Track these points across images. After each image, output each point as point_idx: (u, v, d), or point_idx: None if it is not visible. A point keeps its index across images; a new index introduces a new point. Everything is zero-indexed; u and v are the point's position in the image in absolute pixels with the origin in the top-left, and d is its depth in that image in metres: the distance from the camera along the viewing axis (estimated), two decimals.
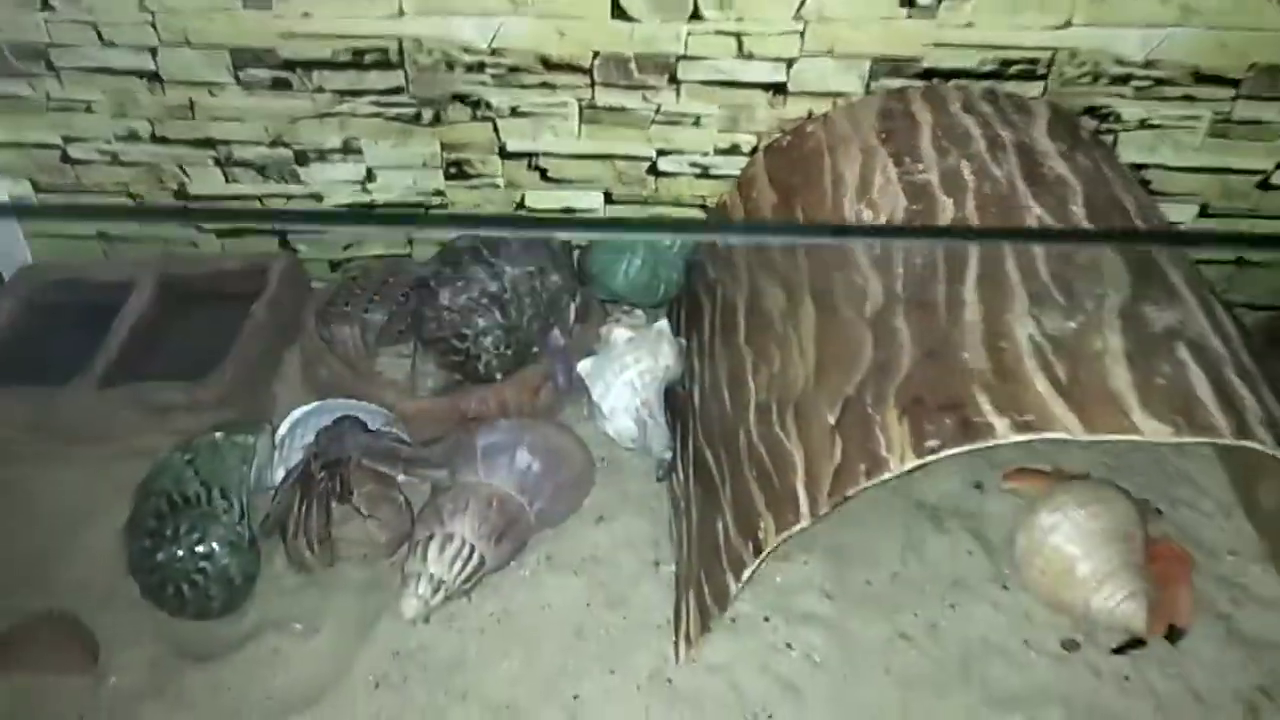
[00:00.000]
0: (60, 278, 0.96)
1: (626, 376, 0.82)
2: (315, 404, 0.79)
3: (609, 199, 0.94)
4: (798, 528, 0.61)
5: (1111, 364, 0.59)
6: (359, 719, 0.67)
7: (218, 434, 0.74)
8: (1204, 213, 0.92)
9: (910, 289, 0.67)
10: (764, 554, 0.63)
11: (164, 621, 0.72)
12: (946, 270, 0.67)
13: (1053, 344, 0.61)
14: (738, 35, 0.84)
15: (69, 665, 0.69)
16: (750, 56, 0.85)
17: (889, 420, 0.60)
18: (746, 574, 0.64)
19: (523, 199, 0.95)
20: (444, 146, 0.92)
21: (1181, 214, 0.92)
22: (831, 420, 0.63)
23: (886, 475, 0.58)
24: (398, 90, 0.88)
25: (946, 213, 0.71)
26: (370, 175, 0.94)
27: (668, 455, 0.80)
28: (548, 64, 0.86)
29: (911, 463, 0.57)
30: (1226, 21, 0.81)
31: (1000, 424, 0.57)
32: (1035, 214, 0.70)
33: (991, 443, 0.56)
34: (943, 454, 0.57)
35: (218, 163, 0.93)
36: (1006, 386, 0.59)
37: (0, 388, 0.85)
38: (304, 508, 0.73)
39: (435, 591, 0.71)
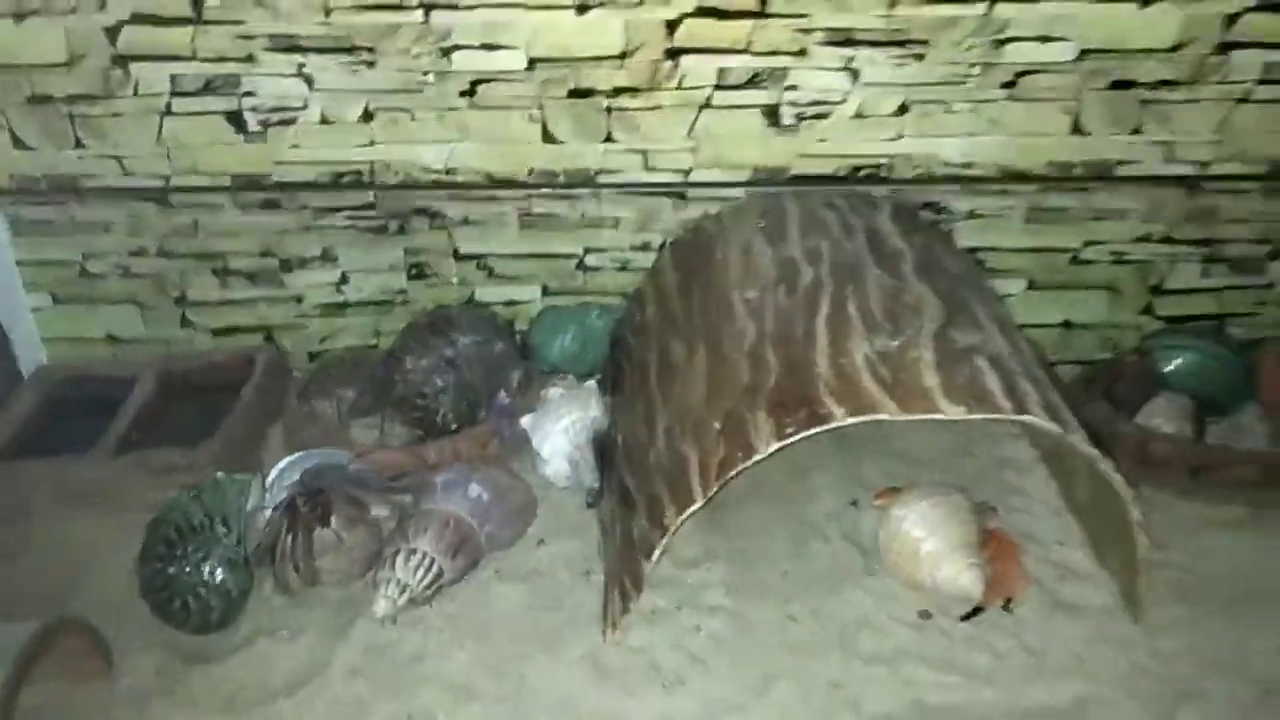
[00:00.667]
0: (73, 374, 1.12)
1: (561, 425, 0.99)
2: (300, 453, 0.95)
3: (546, 291, 1.13)
4: (694, 507, 0.77)
5: (924, 369, 0.77)
6: (339, 700, 0.80)
7: (219, 474, 0.89)
8: (1031, 286, 1.13)
9: (776, 329, 0.85)
10: (668, 533, 0.78)
11: (170, 634, 0.85)
12: (804, 314, 0.85)
13: (880, 358, 0.79)
14: (643, 153, 1.05)
15: (87, 672, 0.82)
16: (654, 169, 1.06)
17: (759, 420, 0.77)
18: (655, 554, 0.79)
19: (473, 294, 1.13)
20: (407, 252, 1.11)
21: (1013, 287, 1.13)
22: (718, 427, 0.80)
23: (758, 457, 0.75)
24: (369, 206, 1.08)
25: (806, 277, 0.91)
26: (344, 278, 1.12)
27: (595, 485, 0.96)
28: (492, 180, 1.06)
29: (774, 445, 0.74)
30: (1024, 129, 1.04)
31: (839, 411, 0.74)
32: (874, 274, 0.90)
33: (833, 425, 0.74)
34: (798, 436, 0.74)
35: (214, 272, 1.11)
36: (845, 388, 0.76)
37: (25, 461, 1.00)
38: (290, 537, 0.88)
39: (401, 593, 0.85)
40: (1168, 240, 1.10)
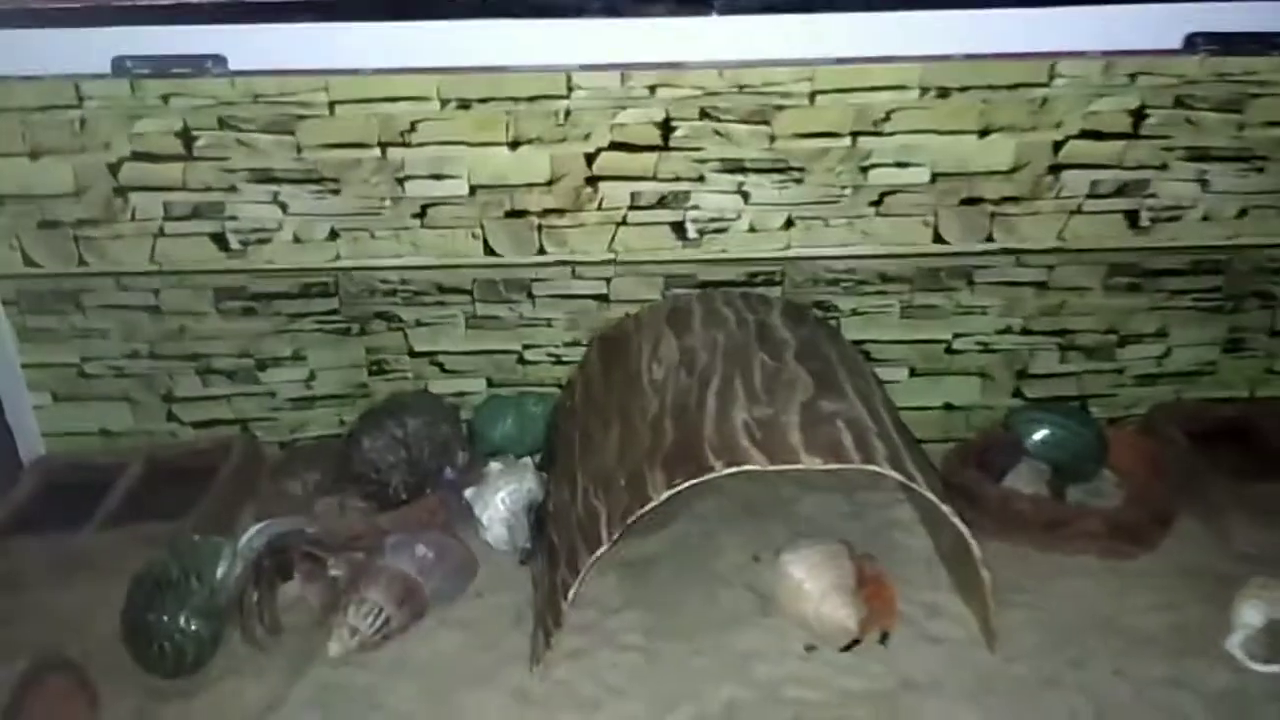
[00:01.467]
0: (68, 463, 1.26)
1: (499, 496, 1.13)
2: (268, 521, 1.08)
3: (490, 383, 1.29)
4: (601, 549, 0.91)
5: (790, 430, 0.93)
6: None
7: (195, 536, 1.02)
8: (912, 373, 1.30)
9: (674, 403, 1.01)
10: (582, 573, 0.92)
11: (148, 680, 0.97)
12: (697, 390, 1.01)
13: (756, 424, 0.94)
14: (572, 264, 1.23)
15: (76, 714, 0.93)
16: (581, 278, 1.23)
17: (656, 475, 0.92)
18: (571, 592, 0.93)
19: (426, 387, 1.29)
20: (367, 350, 1.27)
21: (898, 374, 1.30)
22: (622, 484, 0.95)
23: (653, 504, 0.89)
24: (334, 311, 1.24)
25: (702, 361, 1.07)
26: (312, 375, 1.28)
27: (528, 545, 1.10)
28: (441, 288, 1.23)
29: (666, 493, 0.89)
30: (893, 240, 1.22)
31: (718, 464, 0.89)
32: (760, 358, 1.06)
33: (712, 475, 0.89)
34: (685, 485, 0.89)
35: (197, 371, 1.27)
36: (724, 446, 0.92)
37: (24, 538, 1.13)
38: (255, 590, 1.00)
39: (352, 636, 0.97)
40: (1026, 332, 1.28)
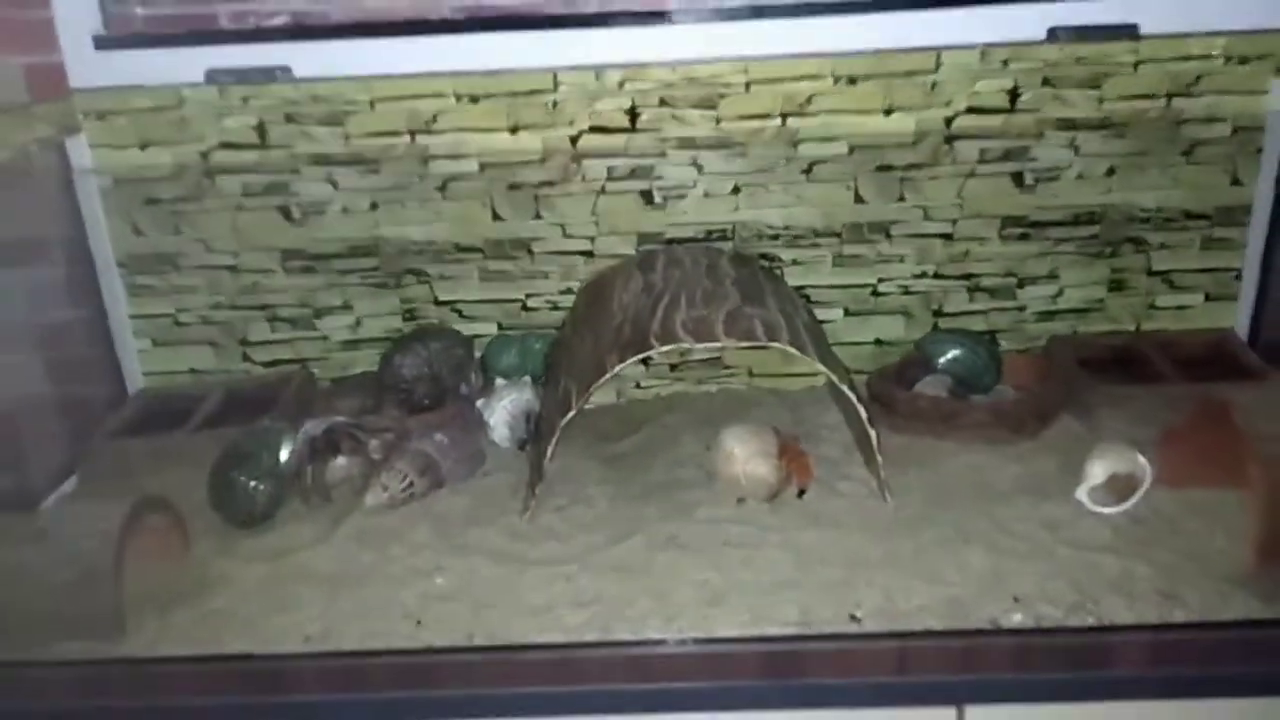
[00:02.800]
0: (163, 393, 1.57)
1: (504, 403, 1.42)
2: (322, 418, 1.37)
3: (500, 326, 1.58)
4: (570, 413, 1.19)
5: (716, 324, 1.20)
6: (339, 552, 1.19)
7: (266, 422, 1.32)
8: (846, 313, 1.57)
9: (634, 315, 1.29)
10: (555, 435, 1.20)
11: (227, 530, 1.26)
12: (650, 305, 1.30)
13: (691, 320, 1.22)
14: (561, 225, 1.52)
15: (171, 544, 1.21)
16: (571, 236, 1.53)
17: (611, 357, 1.20)
18: (550, 449, 1.20)
19: None
20: (401, 300, 1.57)
21: (834, 315, 1.56)
22: (588, 368, 1.23)
23: (606, 377, 1.17)
24: (375, 268, 1.55)
25: (658, 289, 1.35)
26: (358, 321, 1.58)
27: (524, 437, 1.38)
28: (459, 248, 1.54)
29: (615, 368, 1.17)
30: (823, 202, 1.50)
31: (657, 344, 1.17)
32: (704, 285, 1.34)
33: (652, 351, 1.17)
34: (630, 360, 1.17)
35: (267, 319, 1.58)
36: (665, 334, 1.20)
37: (131, 439, 1.44)
38: (310, 465, 1.29)
39: (384, 492, 1.26)
40: (938, 276, 1.54)
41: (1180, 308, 1.55)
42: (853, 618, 1.06)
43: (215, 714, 1.08)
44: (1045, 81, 1.44)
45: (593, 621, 1.07)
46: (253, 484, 1.25)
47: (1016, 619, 1.04)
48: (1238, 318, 1.54)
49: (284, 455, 1.30)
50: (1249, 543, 1.07)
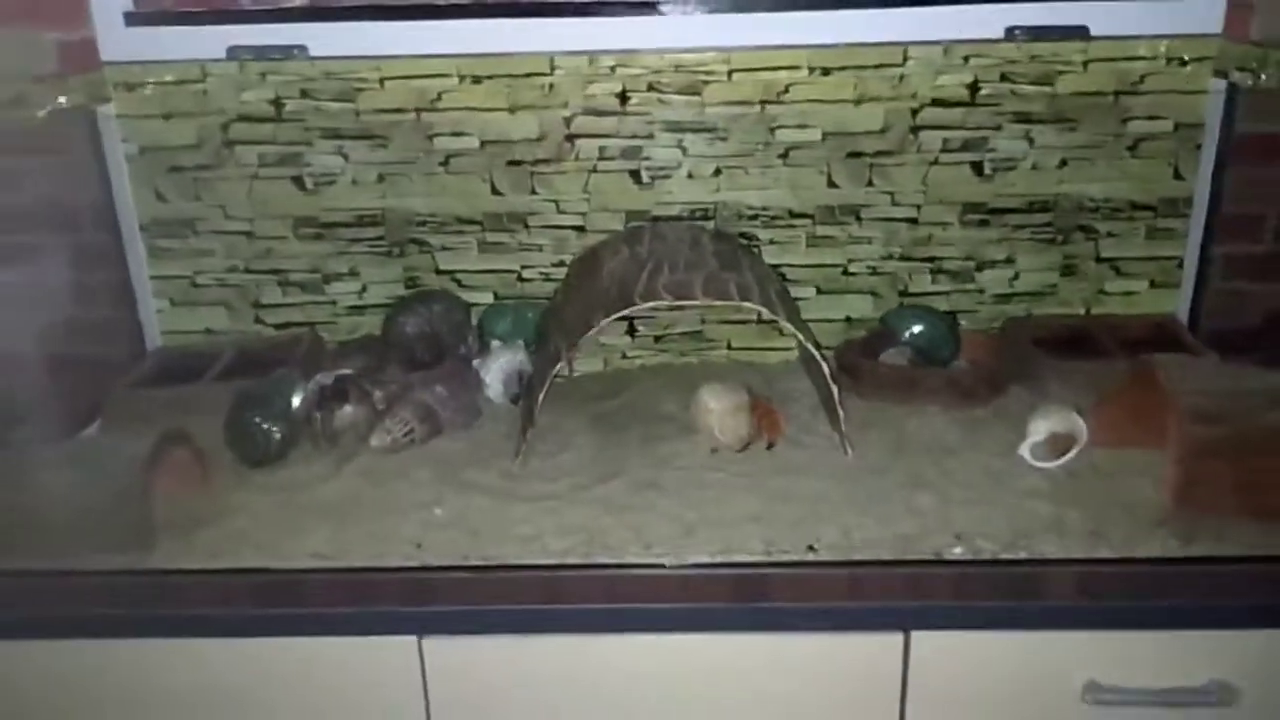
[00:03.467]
0: (179, 352, 1.68)
1: (499, 363, 1.53)
2: (330, 371, 1.48)
3: (496, 296, 1.69)
4: (559, 364, 1.30)
5: (694, 286, 1.32)
6: (345, 488, 1.30)
7: (280, 371, 1.43)
8: (819, 291, 1.69)
9: (620, 279, 1.40)
10: (546, 383, 1.31)
11: (242, 468, 1.37)
12: (635, 271, 1.41)
13: (674, 283, 1.34)
14: (555, 201, 1.64)
15: (190, 480, 1.32)
16: (564, 212, 1.65)
17: (597, 315, 1.31)
18: (540, 395, 1.32)
19: None
20: (404, 269, 1.68)
21: (807, 293, 1.68)
22: (580, 325, 1.34)
23: (593, 330, 1.29)
24: (380, 238, 1.66)
25: (643, 257, 1.47)
26: (364, 288, 1.69)
27: (517, 391, 1.49)
28: (459, 219, 1.65)
29: (601, 322, 1.28)
30: (798, 184, 1.62)
31: (639, 301, 1.29)
32: (685, 255, 1.46)
33: (633, 309, 1.28)
34: (615, 315, 1.28)
35: (278, 283, 1.69)
36: (647, 293, 1.31)
37: (150, 389, 1.54)
38: (319, 411, 1.40)
39: (388, 435, 1.37)
40: (904, 258, 1.66)
41: (1127, 293, 1.67)
42: (810, 548, 1.17)
43: (233, 622, 1.18)
44: (1003, 77, 1.56)
45: (576, 548, 1.19)
46: (267, 425, 1.36)
47: (957, 551, 1.16)
48: (1179, 303, 1.67)
49: (296, 402, 1.42)
50: (1166, 487, 1.19)
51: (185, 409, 1.49)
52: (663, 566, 1.16)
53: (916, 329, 1.58)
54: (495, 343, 1.58)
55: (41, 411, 1.48)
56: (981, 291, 1.69)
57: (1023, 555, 1.15)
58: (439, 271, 1.68)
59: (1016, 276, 1.67)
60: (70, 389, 1.53)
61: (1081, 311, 1.69)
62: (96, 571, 1.17)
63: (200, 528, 1.24)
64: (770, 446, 1.38)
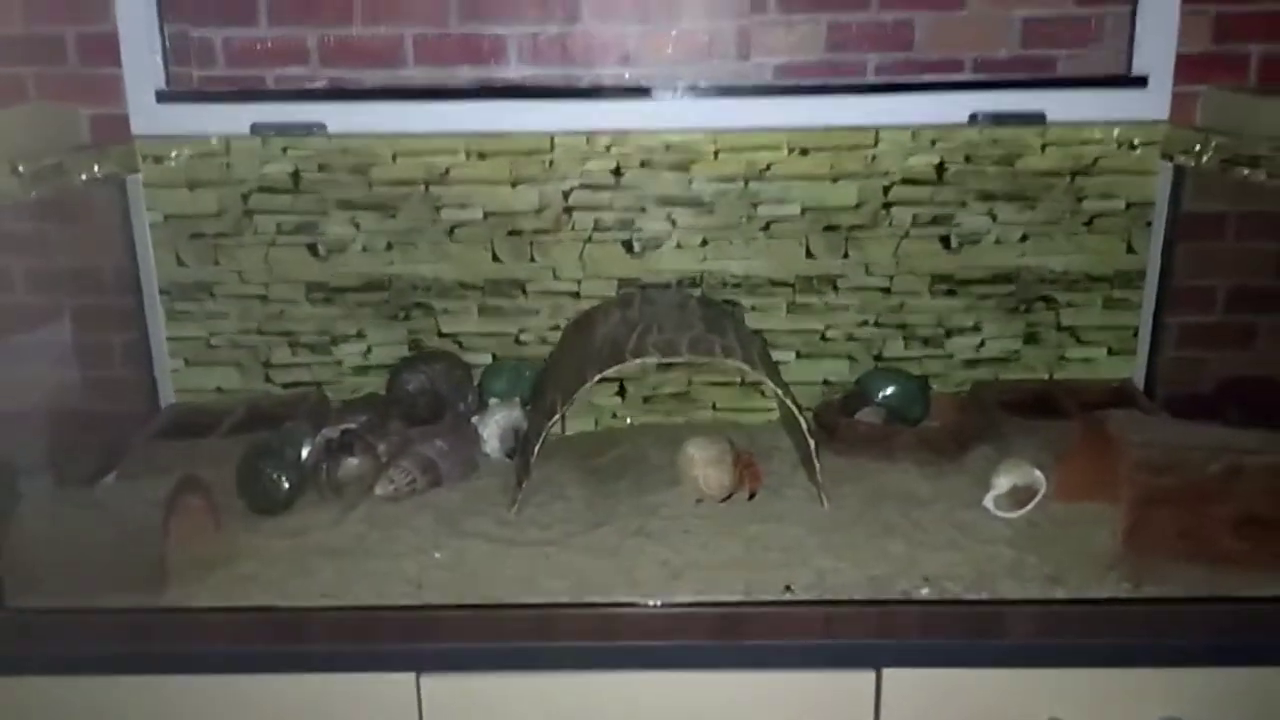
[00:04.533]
0: (191, 408, 1.76)
1: (496, 418, 1.62)
2: (336, 425, 1.57)
3: (494, 357, 1.79)
4: (556, 417, 1.40)
5: (680, 344, 1.43)
6: (348, 533, 1.38)
7: (289, 425, 1.52)
8: (798, 355, 1.79)
9: (611, 340, 1.51)
10: (542, 434, 1.40)
11: (253, 517, 1.44)
12: (627, 330, 1.51)
13: (662, 342, 1.44)
14: (552, 269, 1.75)
15: (203, 525, 1.40)
16: (560, 279, 1.76)
17: (590, 370, 1.41)
18: (535, 449, 1.41)
19: None
20: (408, 331, 1.78)
21: (787, 356, 1.79)
22: (569, 381, 1.44)
23: (587, 385, 1.38)
24: (386, 302, 1.77)
25: (634, 319, 1.57)
26: (369, 349, 1.79)
27: (513, 446, 1.58)
28: (462, 284, 1.76)
29: (595, 378, 1.38)
30: (778, 255, 1.74)
31: (630, 358, 1.39)
32: (673, 318, 1.56)
33: (622, 365, 1.38)
34: (608, 371, 1.38)
35: (289, 344, 1.78)
36: (638, 352, 1.41)
37: (164, 441, 1.63)
38: (325, 463, 1.49)
39: (391, 484, 1.45)
40: (878, 324, 1.77)
41: (1086, 359, 1.78)
42: (787, 589, 1.25)
43: (242, 659, 1.25)
44: (967, 158, 1.69)
45: (569, 589, 1.26)
46: (276, 475, 1.45)
47: (925, 592, 1.24)
48: (1136, 370, 1.78)
49: (304, 453, 1.50)
50: (1117, 532, 1.28)
51: (197, 461, 1.57)
52: (649, 606, 1.24)
53: (889, 390, 1.68)
54: (493, 400, 1.68)
55: (63, 461, 1.56)
56: (950, 356, 1.79)
57: (985, 596, 1.24)
58: (441, 334, 1.78)
59: (983, 343, 1.78)
60: (89, 441, 1.61)
61: (1044, 376, 1.80)
62: (113, 609, 1.24)
63: (212, 570, 1.31)
64: (751, 496, 1.47)
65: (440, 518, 1.43)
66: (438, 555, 1.34)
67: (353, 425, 1.55)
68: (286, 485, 1.45)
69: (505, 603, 1.25)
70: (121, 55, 1.66)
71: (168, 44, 1.69)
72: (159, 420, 1.72)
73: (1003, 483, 1.44)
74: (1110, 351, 1.77)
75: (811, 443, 1.43)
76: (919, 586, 1.25)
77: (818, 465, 1.44)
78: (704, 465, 1.46)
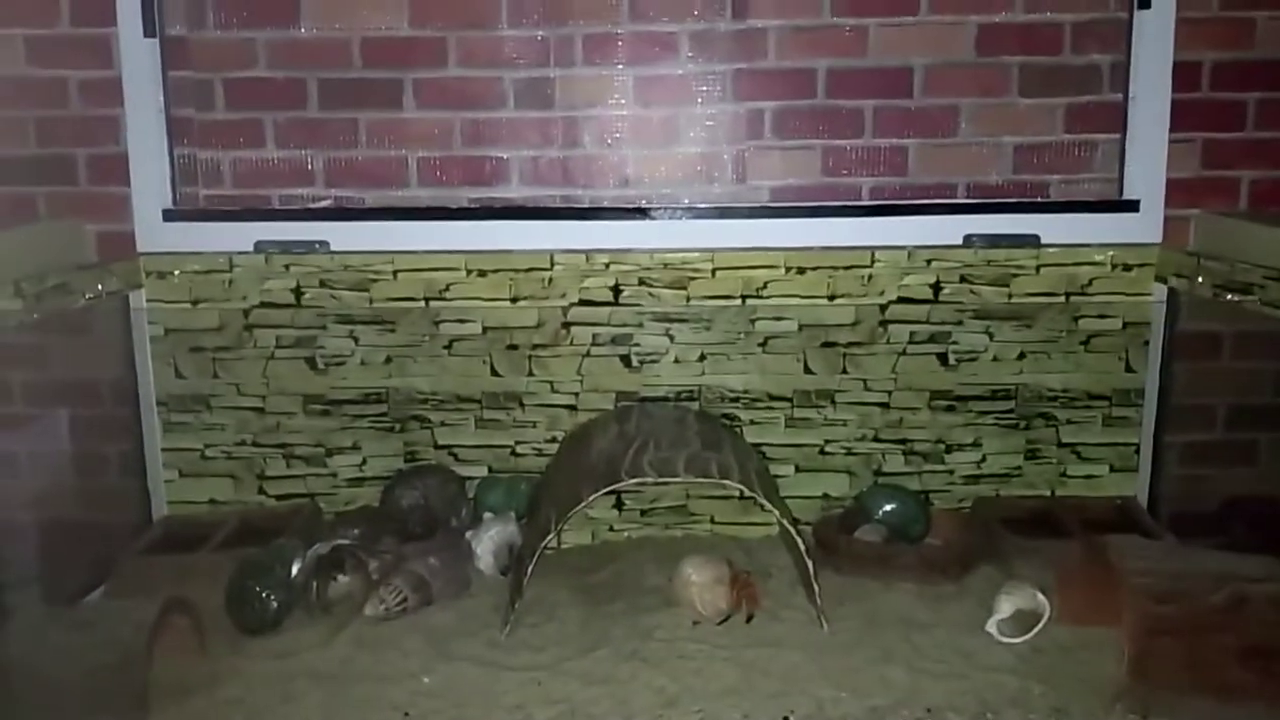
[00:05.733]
0: (183, 521, 1.75)
1: (490, 534, 1.60)
2: (328, 541, 1.55)
3: (490, 470, 1.78)
4: (550, 536, 1.38)
5: (677, 463, 1.42)
6: (338, 655, 1.35)
7: (280, 540, 1.50)
8: (797, 469, 1.78)
9: (608, 457, 1.50)
10: (533, 559, 1.38)
11: (241, 637, 1.41)
12: (623, 449, 1.51)
13: (659, 460, 1.43)
14: (550, 382, 1.75)
15: (188, 647, 1.36)
16: (558, 393, 1.76)
17: (585, 489, 1.40)
18: (529, 568, 1.38)
19: None
20: (404, 444, 1.77)
21: (786, 470, 1.77)
22: (564, 498, 1.42)
23: (581, 505, 1.37)
24: (383, 414, 1.77)
25: (631, 436, 1.56)
26: (364, 461, 1.78)
27: (507, 563, 1.56)
28: (459, 398, 1.76)
29: (590, 498, 1.37)
30: (776, 370, 1.74)
31: (626, 478, 1.38)
32: (670, 434, 1.56)
33: (618, 485, 1.37)
34: (602, 491, 1.37)
35: (284, 456, 1.78)
36: (634, 471, 1.40)
37: (155, 556, 1.61)
38: (316, 581, 1.47)
39: (381, 605, 1.43)
40: (878, 439, 1.76)
41: (1089, 476, 1.77)
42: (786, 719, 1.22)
43: None
44: (963, 278, 1.71)
45: (561, 718, 1.23)
46: (265, 594, 1.42)
47: None
48: (1139, 487, 1.76)
49: (295, 570, 1.48)
50: (1122, 663, 1.25)
51: (187, 576, 1.55)
52: None
53: (889, 507, 1.66)
54: (488, 514, 1.66)
55: (52, 574, 1.54)
56: (951, 472, 1.78)
57: None
58: (437, 446, 1.77)
59: (984, 459, 1.77)
60: (80, 553, 1.59)
61: (1046, 493, 1.78)
62: None
63: (195, 694, 1.28)
64: (749, 619, 1.44)
65: (431, 639, 1.40)
66: (426, 680, 1.30)
67: (345, 540, 1.53)
68: (275, 604, 1.42)
69: None
70: (131, 175, 1.70)
71: (176, 165, 1.73)
72: (150, 533, 1.71)
73: (1006, 607, 1.41)
74: (1112, 469, 1.76)
75: (810, 564, 1.40)
76: (921, 718, 1.21)
77: (817, 588, 1.41)
78: (701, 588, 1.44)
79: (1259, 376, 1.73)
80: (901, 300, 1.72)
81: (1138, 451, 1.76)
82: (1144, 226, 1.71)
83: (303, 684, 1.30)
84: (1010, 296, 1.72)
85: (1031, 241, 1.70)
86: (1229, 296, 1.45)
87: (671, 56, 1.73)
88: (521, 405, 1.76)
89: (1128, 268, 1.71)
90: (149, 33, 1.67)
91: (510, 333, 1.73)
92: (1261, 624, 1.21)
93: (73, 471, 1.72)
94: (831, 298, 1.72)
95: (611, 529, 1.77)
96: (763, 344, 1.74)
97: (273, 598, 1.42)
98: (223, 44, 1.72)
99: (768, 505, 1.40)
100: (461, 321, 1.73)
